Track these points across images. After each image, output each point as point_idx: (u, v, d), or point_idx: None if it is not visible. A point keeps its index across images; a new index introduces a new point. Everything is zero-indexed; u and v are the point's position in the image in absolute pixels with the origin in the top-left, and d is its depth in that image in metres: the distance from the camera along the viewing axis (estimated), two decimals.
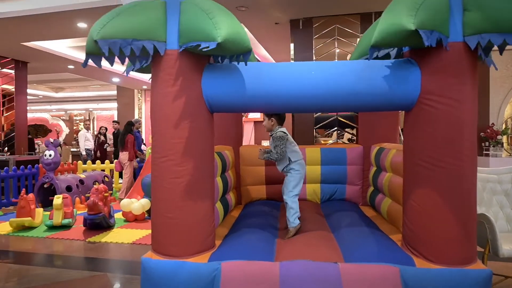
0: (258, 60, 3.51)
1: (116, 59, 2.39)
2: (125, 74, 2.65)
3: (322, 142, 8.39)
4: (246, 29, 7.08)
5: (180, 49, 2.33)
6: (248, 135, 12.91)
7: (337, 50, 6.50)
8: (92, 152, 10.81)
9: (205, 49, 2.21)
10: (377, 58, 2.40)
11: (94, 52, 2.25)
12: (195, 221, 2.52)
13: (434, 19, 2.09)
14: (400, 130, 5.06)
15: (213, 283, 2.33)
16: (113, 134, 10.52)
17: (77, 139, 12.69)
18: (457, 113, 2.24)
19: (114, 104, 16.42)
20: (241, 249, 2.59)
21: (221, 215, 3.22)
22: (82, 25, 6.60)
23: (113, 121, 10.82)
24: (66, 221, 5.35)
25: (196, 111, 2.45)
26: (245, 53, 2.34)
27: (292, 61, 6.63)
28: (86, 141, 11.03)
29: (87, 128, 11.74)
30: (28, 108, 19.32)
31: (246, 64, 2.44)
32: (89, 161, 8.88)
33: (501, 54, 2.26)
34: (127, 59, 2.41)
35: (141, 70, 2.64)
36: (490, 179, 3.23)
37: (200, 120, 2.48)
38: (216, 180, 3.12)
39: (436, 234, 2.31)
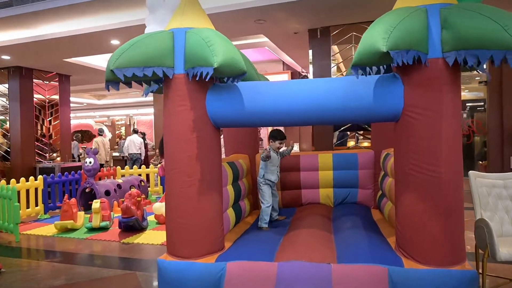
0: (266, 79, 3.77)
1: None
2: (144, 96, 3.00)
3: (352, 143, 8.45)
4: (267, 38, 7.39)
5: (187, 74, 2.64)
6: None
7: None
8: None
9: (205, 74, 2.51)
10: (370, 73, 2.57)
11: (112, 79, 2.60)
12: (204, 226, 2.79)
13: (410, 39, 2.25)
14: None
15: (220, 281, 2.61)
16: None
17: (125, 146, 12.12)
18: (437, 125, 2.38)
19: (153, 110, 17.05)
20: (246, 251, 2.86)
21: (232, 220, 3.49)
22: (115, 42, 7.27)
23: None
24: (104, 223, 5.83)
25: (201, 127, 2.75)
26: (239, 75, 2.63)
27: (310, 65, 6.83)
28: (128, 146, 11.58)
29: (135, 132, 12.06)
30: (74, 115, 20.51)
31: (237, 83, 2.72)
32: (126, 167, 9.39)
33: (480, 71, 2.33)
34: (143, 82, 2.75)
35: (158, 91, 2.98)
36: (496, 184, 3.24)
37: (206, 134, 2.78)
38: (227, 188, 3.40)
39: (423, 237, 2.48)
